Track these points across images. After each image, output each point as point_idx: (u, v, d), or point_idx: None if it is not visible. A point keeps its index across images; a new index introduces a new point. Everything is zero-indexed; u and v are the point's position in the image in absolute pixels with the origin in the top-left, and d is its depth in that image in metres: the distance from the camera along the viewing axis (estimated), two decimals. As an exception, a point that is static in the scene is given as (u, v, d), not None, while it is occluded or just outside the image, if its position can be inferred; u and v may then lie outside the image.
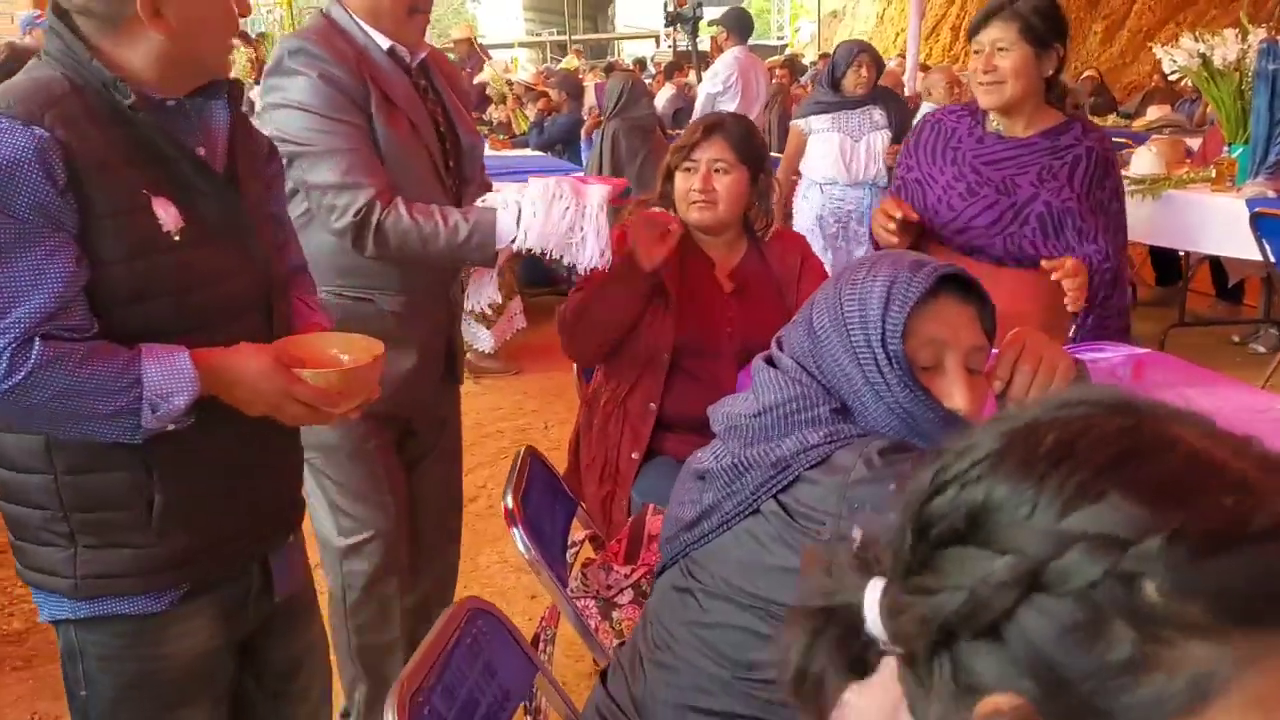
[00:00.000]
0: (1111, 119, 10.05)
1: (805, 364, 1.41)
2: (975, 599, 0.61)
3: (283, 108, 2.04)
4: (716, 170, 2.54)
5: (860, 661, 0.70)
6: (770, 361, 1.47)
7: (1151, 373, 2.43)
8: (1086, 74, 11.85)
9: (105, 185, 1.45)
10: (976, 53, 2.54)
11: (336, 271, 2.12)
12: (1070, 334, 2.56)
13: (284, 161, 1.92)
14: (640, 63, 17.91)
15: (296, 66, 2.02)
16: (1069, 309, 2.43)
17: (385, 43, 2.16)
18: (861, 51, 5.25)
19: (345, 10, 2.15)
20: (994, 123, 2.62)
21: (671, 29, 13.52)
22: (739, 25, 7.63)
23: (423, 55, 2.26)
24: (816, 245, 4.62)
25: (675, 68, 11.86)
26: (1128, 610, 0.57)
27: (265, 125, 2.00)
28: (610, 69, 14.09)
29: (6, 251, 1.39)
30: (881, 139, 5.16)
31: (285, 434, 1.70)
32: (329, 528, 2.27)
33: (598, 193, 2.06)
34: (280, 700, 1.85)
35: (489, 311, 2.27)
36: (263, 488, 1.68)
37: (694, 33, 10.91)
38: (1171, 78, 5.89)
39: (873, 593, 0.68)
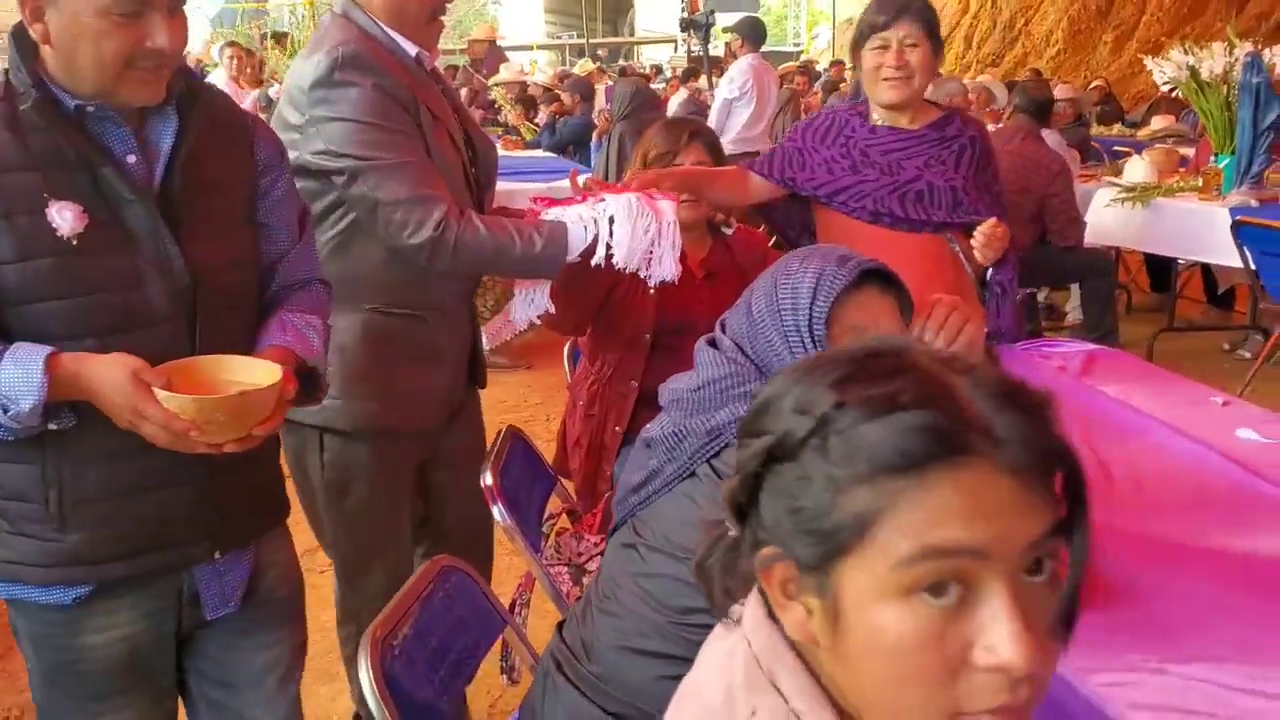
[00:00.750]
0: (1117, 128, 10.18)
1: (742, 345, 1.59)
2: (743, 471, 0.82)
3: (337, 121, 1.95)
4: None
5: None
6: (712, 343, 1.64)
7: (1101, 366, 2.59)
8: (1095, 84, 11.96)
9: (3, 181, 1.45)
10: (880, 49, 2.60)
11: (380, 289, 2.07)
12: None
13: (340, 177, 1.94)
14: (657, 68, 18.07)
15: (349, 78, 1.94)
16: (980, 260, 2.56)
17: (412, 49, 2.11)
18: None
19: (367, 14, 2.07)
20: (879, 118, 2.72)
21: (686, 35, 13.69)
22: (753, 33, 7.88)
23: (435, 62, 2.25)
24: None
25: (690, 73, 12.01)
26: (821, 470, 0.77)
27: (313, 139, 1.97)
28: (623, 72, 14.28)
29: None
30: None
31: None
32: (344, 548, 2.26)
33: (670, 208, 2.16)
34: (223, 708, 1.78)
35: (536, 322, 2.35)
36: (176, 496, 1.60)
37: (706, 39, 11.07)
38: (1164, 89, 6.00)
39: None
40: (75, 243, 1.47)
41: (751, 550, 0.82)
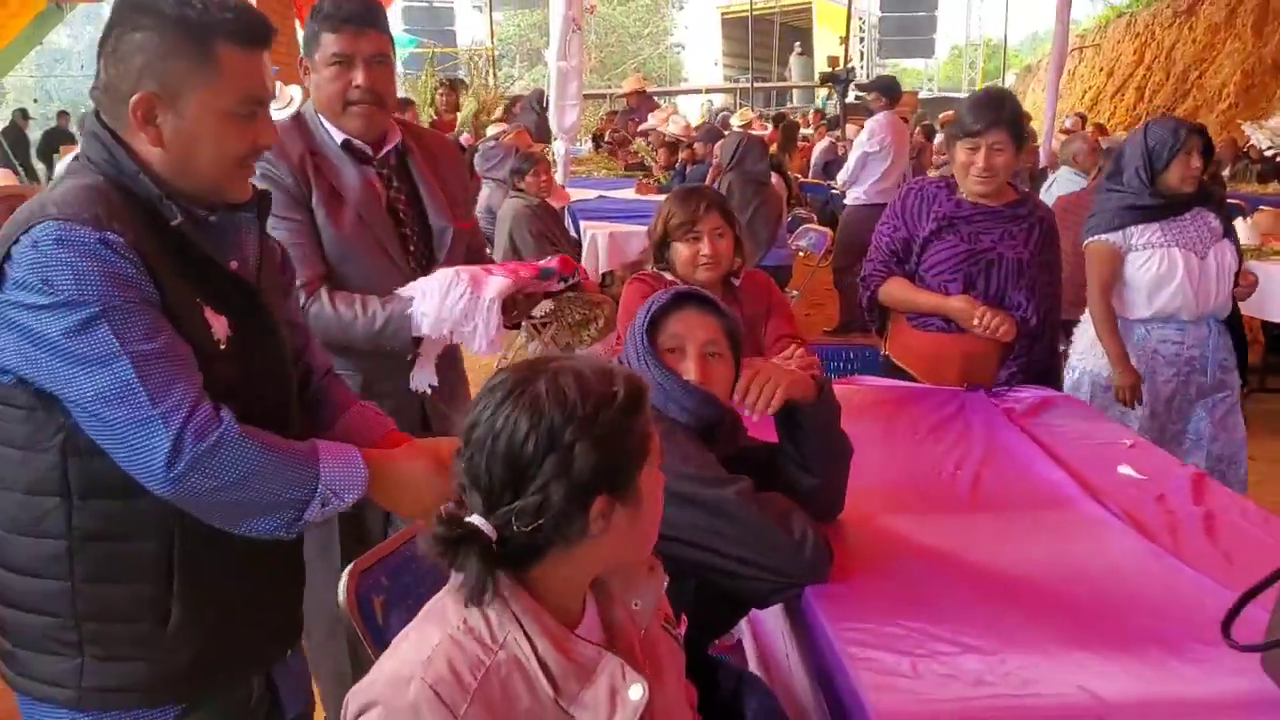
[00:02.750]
0: (1273, 185, 10.01)
1: (623, 358, 2.08)
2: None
3: None
4: (719, 236, 3.10)
5: None
6: None
7: (1049, 408, 2.94)
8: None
9: (167, 288, 1.47)
10: (972, 149, 3.18)
11: None
12: (999, 369, 3.21)
13: None
14: (821, 113, 18.45)
15: None
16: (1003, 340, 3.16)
17: (340, 136, 2.37)
18: (1192, 133, 3.61)
19: (312, 107, 2.40)
20: (964, 194, 3.29)
21: (827, 87, 14.12)
22: (889, 90, 8.43)
23: (391, 145, 2.43)
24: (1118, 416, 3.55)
25: (834, 123, 12.40)
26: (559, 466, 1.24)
27: None
28: (779, 119, 14.73)
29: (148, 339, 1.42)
30: (1229, 253, 3.66)
31: (290, 549, 1.71)
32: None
33: (494, 285, 2.20)
34: None
35: (428, 391, 2.43)
36: (270, 603, 1.66)
37: (844, 93, 11.44)
38: (1268, 153, 6.11)
39: None
40: (224, 347, 1.54)
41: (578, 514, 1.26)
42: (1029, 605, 1.80)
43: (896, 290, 3.35)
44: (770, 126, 13.42)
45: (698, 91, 25.60)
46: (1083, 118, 13.80)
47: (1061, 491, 2.32)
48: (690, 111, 21.09)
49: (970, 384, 3.14)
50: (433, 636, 1.25)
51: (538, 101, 9.54)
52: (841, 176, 8.50)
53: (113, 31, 1.51)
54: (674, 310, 2.05)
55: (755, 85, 23.36)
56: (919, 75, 31.14)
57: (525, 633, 1.25)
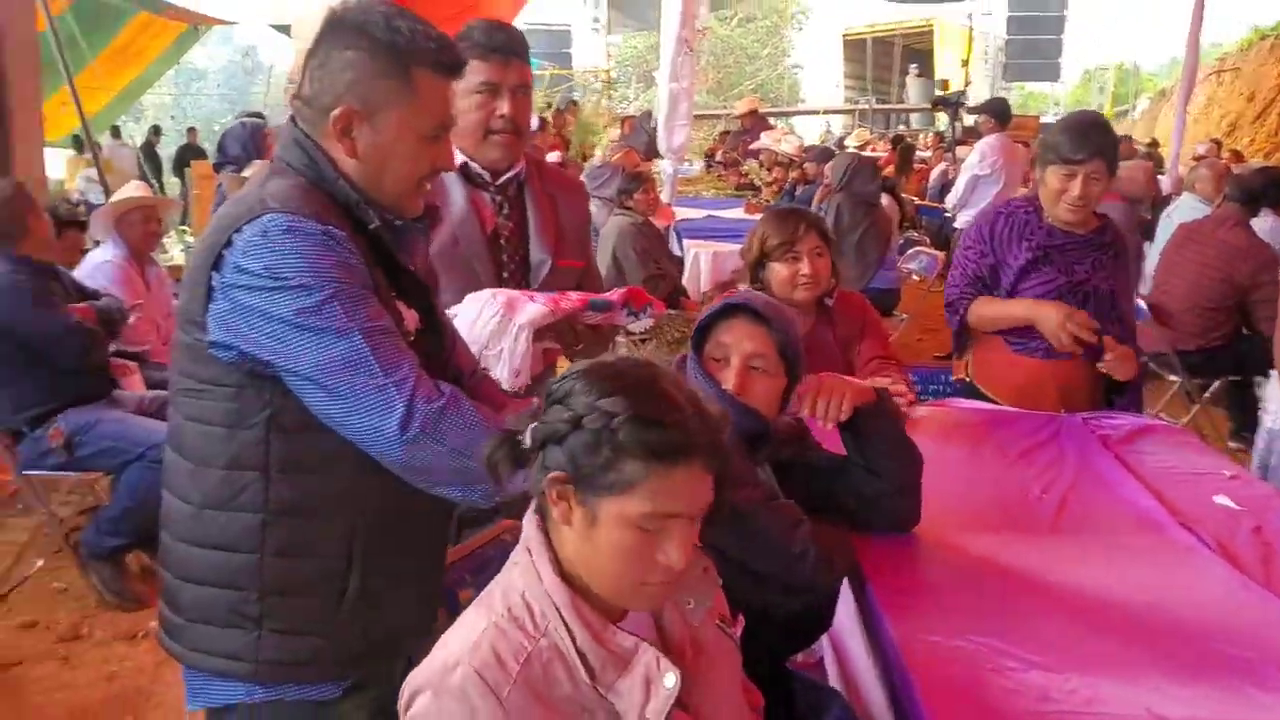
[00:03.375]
0: None
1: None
2: (553, 426, 1.35)
3: None
4: (817, 256, 3.13)
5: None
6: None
7: (1147, 437, 2.88)
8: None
9: (375, 281, 1.61)
10: (1069, 176, 3.13)
11: None
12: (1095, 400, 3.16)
13: None
14: (940, 135, 18.24)
15: None
16: (1120, 377, 3.11)
17: (459, 159, 2.39)
18: None
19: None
20: (1051, 218, 3.24)
21: (938, 110, 13.97)
22: (999, 113, 8.37)
23: (513, 173, 2.47)
24: None
25: (950, 146, 12.26)
26: (609, 443, 1.29)
27: None
28: (896, 141, 14.63)
29: (377, 318, 1.54)
30: None
31: (443, 531, 1.83)
32: None
33: (527, 312, 2.07)
34: None
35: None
36: (431, 581, 1.74)
37: (955, 116, 11.32)
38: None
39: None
40: (412, 338, 1.66)
41: (541, 470, 1.35)
42: (1103, 627, 1.79)
43: (985, 309, 3.31)
44: (888, 149, 13.36)
45: (814, 113, 25.50)
46: (1217, 144, 13.37)
47: (1150, 518, 2.28)
48: (808, 133, 21.05)
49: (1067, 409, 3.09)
50: (479, 624, 1.33)
51: (647, 121, 9.63)
52: (950, 199, 8.46)
53: (322, 46, 1.62)
54: (725, 319, 2.09)
55: (874, 107, 23.12)
56: (1045, 99, 30.53)
57: (565, 623, 1.32)
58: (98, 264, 4.88)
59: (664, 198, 7.87)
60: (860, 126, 18.19)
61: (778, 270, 3.12)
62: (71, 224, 5.01)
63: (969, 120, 11.84)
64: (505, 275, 2.43)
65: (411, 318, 1.68)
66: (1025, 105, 32.48)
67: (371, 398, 1.51)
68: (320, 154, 1.63)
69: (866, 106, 23.67)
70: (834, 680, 2.41)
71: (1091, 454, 2.69)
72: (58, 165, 12.76)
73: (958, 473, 2.54)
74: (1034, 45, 22.47)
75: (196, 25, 14.24)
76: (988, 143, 8.18)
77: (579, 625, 1.33)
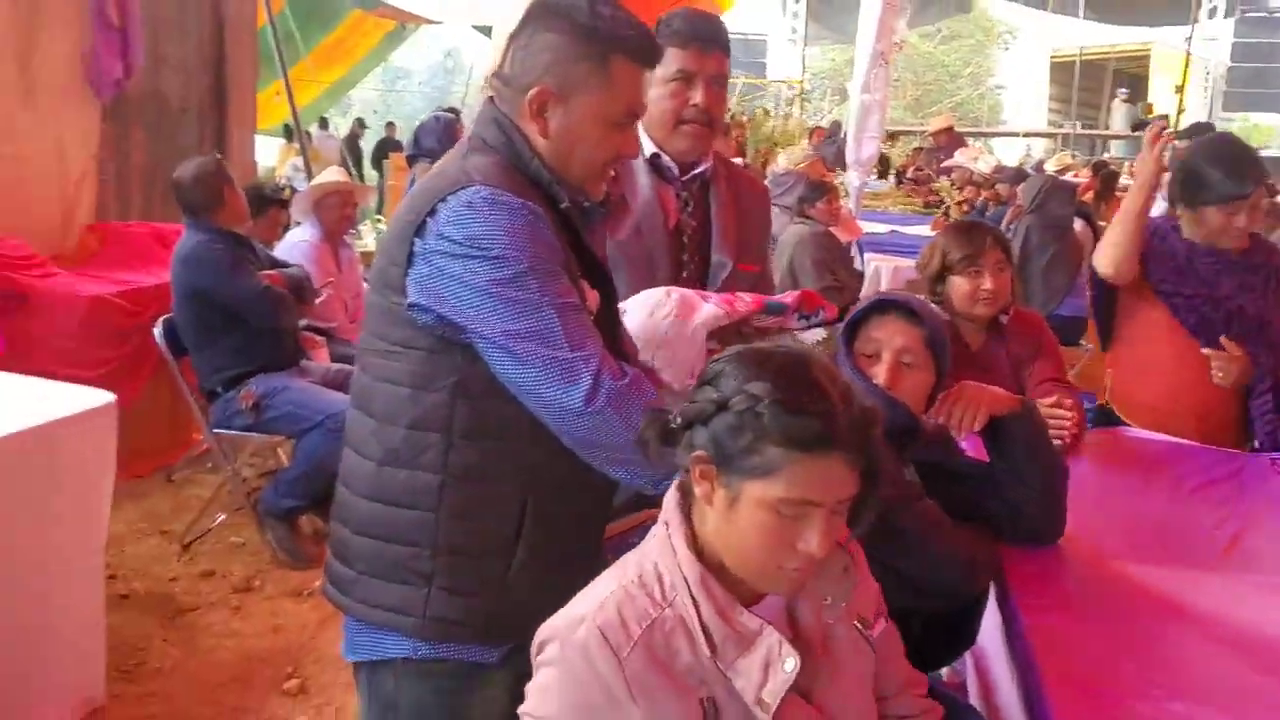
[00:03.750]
0: None
1: None
2: (700, 406, 1.36)
3: None
4: (1000, 271, 3.05)
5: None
6: None
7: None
8: None
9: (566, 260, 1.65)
10: (1233, 213, 3.03)
11: None
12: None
13: None
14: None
15: None
16: (1223, 382, 3.04)
17: (650, 150, 2.36)
18: None
19: None
20: (1191, 235, 3.14)
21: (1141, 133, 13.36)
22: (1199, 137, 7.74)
23: (699, 170, 2.42)
24: None
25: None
26: (752, 427, 1.30)
27: None
28: (1099, 166, 14.03)
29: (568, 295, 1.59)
30: None
31: (605, 511, 1.84)
32: None
33: (703, 314, 1.99)
34: None
35: None
36: (590, 560, 1.71)
37: None
38: None
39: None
40: (593, 318, 1.68)
41: (687, 449, 1.38)
42: (1260, 667, 1.70)
43: (1107, 235, 3.19)
44: (1089, 174, 12.83)
45: (1014, 134, 24.74)
46: None
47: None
48: (1008, 156, 20.40)
49: (1255, 447, 2.94)
50: (609, 586, 1.37)
51: (837, 133, 9.54)
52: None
53: (526, 28, 1.68)
54: (877, 315, 2.11)
55: (1077, 132, 22.27)
56: (1270, 131, 28.80)
57: (692, 596, 1.34)
58: (294, 243, 5.16)
59: (849, 209, 7.79)
60: (1062, 151, 17.52)
61: (959, 284, 3.06)
62: (274, 202, 5.32)
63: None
64: (684, 275, 2.38)
65: (593, 298, 1.71)
66: (1249, 137, 30.72)
67: (559, 369, 1.55)
68: (516, 133, 1.68)
69: (1069, 131, 22.81)
70: (975, 701, 2.35)
71: (1275, 493, 2.54)
72: (270, 153, 13.49)
73: (1125, 499, 2.45)
74: (1262, 74, 21.19)
75: (404, 24, 14.82)
76: None
77: (706, 600, 1.35)
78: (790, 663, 1.35)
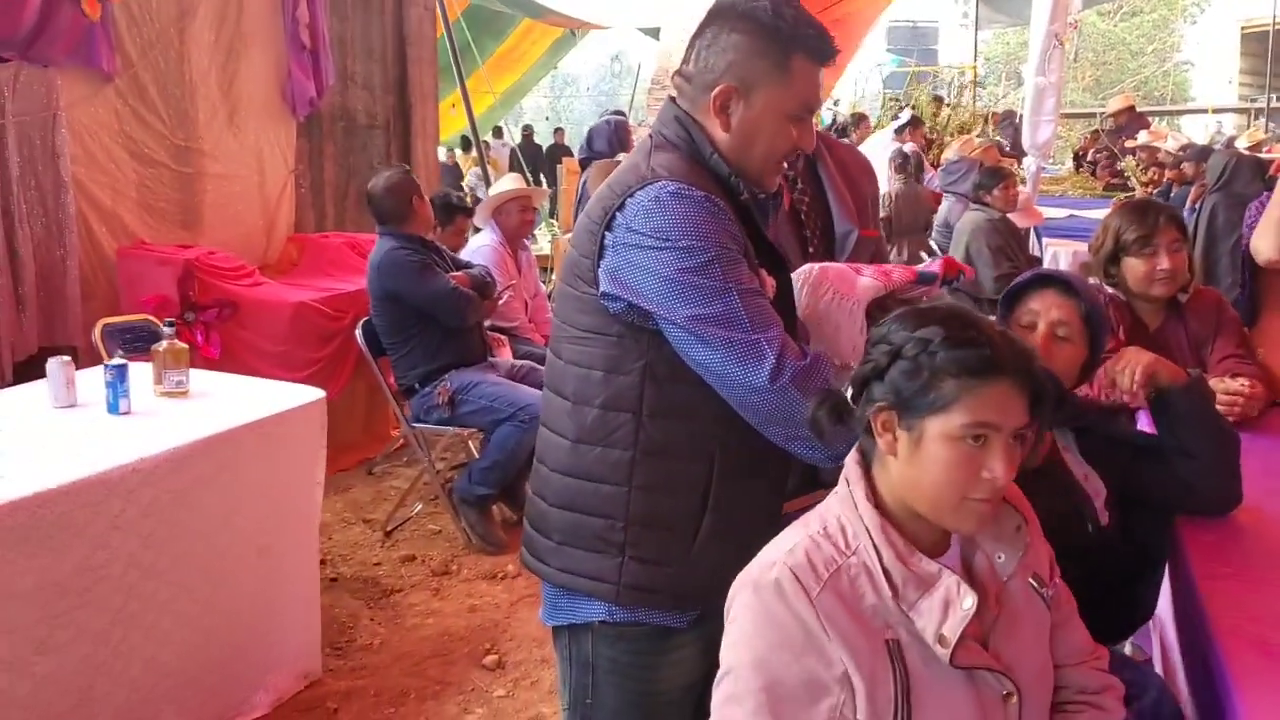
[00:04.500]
0: None
1: None
2: (875, 361, 1.47)
3: None
4: (1176, 250, 3.02)
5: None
6: None
7: None
8: None
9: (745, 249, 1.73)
10: None
11: None
12: None
13: None
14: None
15: None
16: None
17: None
18: None
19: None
20: None
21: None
22: None
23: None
24: None
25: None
26: (928, 366, 1.40)
27: None
28: (1289, 142, 13.28)
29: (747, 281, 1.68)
30: None
31: (785, 484, 1.89)
32: None
33: (863, 286, 1.99)
34: None
35: None
36: (771, 532, 1.68)
37: None
38: None
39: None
40: (772, 303, 1.75)
41: (866, 405, 1.47)
42: None
43: (1262, 223, 3.11)
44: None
45: (1201, 111, 23.60)
46: None
47: None
48: (1197, 133, 19.48)
49: None
50: (796, 536, 1.48)
51: (1014, 118, 9.33)
52: None
53: (710, 28, 1.78)
54: (1036, 289, 2.21)
55: (1272, 106, 21.08)
56: None
57: (874, 544, 1.44)
58: (478, 247, 5.42)
59: (1026, 193, 7.64)
60: (1255, 126, 16.63)
61: (1134, 265, 3.02)
62: (460, 210, 5.59)
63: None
64: (810, 249, 2.43)
65: (770, 285, 1.78)
66: None
67: (744, 350, 1.64)
68: (698, 129, 1.78)
69: (1262, 105, 21.60)
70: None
71: None
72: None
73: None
74: None
75: (573, 30, 15.13)
76: None
77: (886, 546, 1.43)
78: (969, 600, 1.41)
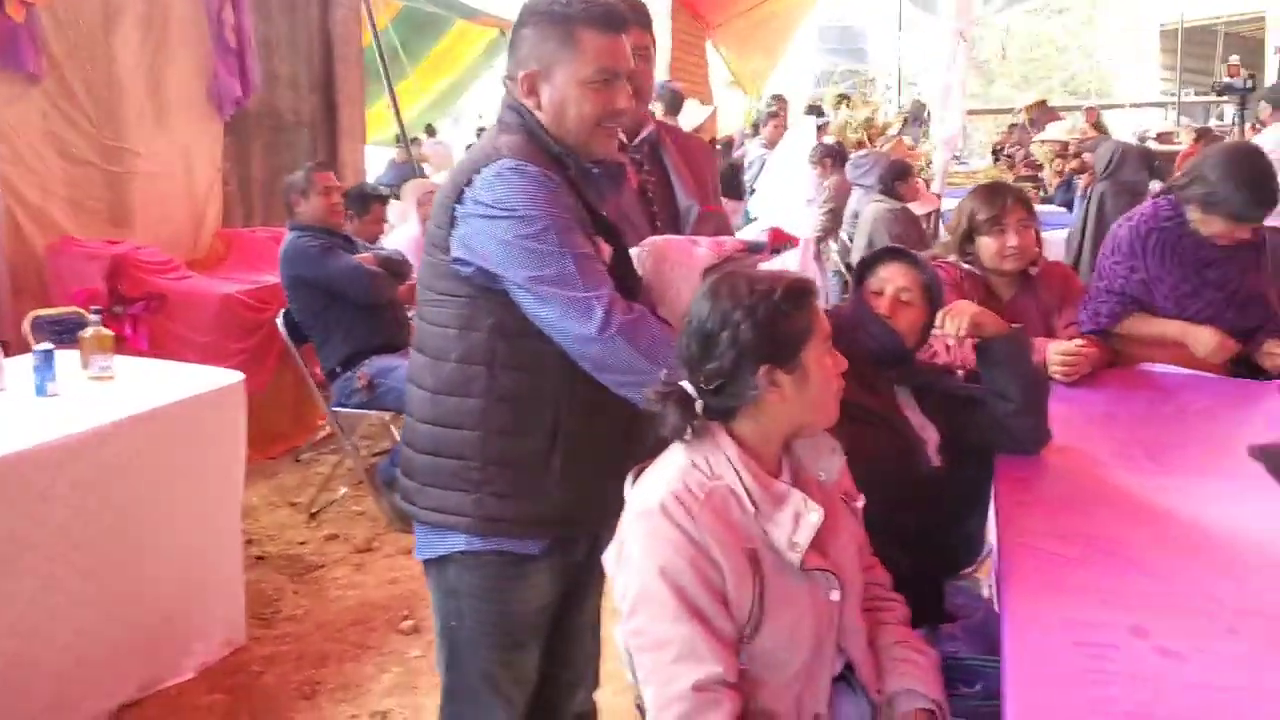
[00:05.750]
0: None
1: None
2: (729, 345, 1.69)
3: None
4: (1024, 228, 3.30)
5: None
6: None
7: None
8: None
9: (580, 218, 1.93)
10: (1239, 228, 3.13)
11: None
12: None
13: None
14: (1257, 127, 17.01)
15: None
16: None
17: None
18: None
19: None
20: (1198, 227, 3.20)
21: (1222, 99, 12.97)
22: None
23: (644, 134, 2.70)
24: None
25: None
26: (776, 316, 1.65)
27: None
28: (1203, 133, 13.79)
29: (582, 245, 1.87)
30: None
31: (643, 433, 1.91)
32: None
33: (699, 258, 2.14)
34: (564, 667, 2.32)
35: None
36: (616, 473, 1.84)
37: (1243, 104, 10.53)
38: None
39: None
40: (606, 268, 1.92)
41: (748, 376, 1.67)
42: (1186, 550, 1.97)
43: (1140, 326, 3.28)
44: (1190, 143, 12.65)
45: (1119, 106, 24.23)
46: None
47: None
48: (1124, 128, 20.02)
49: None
50: (671, 470, 1.71)
51: (920, 113, 9.67)
52: None
53: (513, 34, 2.01)
54: (885, 261, 2.51)
55: (1183, 100, 21.74)
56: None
57: (735, 470, 1.69)
58: (399, 237, 5.62)
59: (935, 187, 7.97)
60: (1179, 121, 17.16)
61: (986, 243, 3.28)
62: (376, 199, 5.75)
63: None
64: (658, 224, 2.65)
65: (606, 251, 1.96)
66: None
67: (577, 306, 1.84)
68: (527, 113, 1.98)
69: (1173, 100, 22.27)
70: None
71: (1275, 414, 2.75)
72: (382, 163, 14.08)
73: (1127, 420, 2.70)
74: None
75: (504, 31, 15.23)
76: (1269, 135, 7.42)
77: (747, 472, 1.69)
78: (815, 515, 1.68)
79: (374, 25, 8.18)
